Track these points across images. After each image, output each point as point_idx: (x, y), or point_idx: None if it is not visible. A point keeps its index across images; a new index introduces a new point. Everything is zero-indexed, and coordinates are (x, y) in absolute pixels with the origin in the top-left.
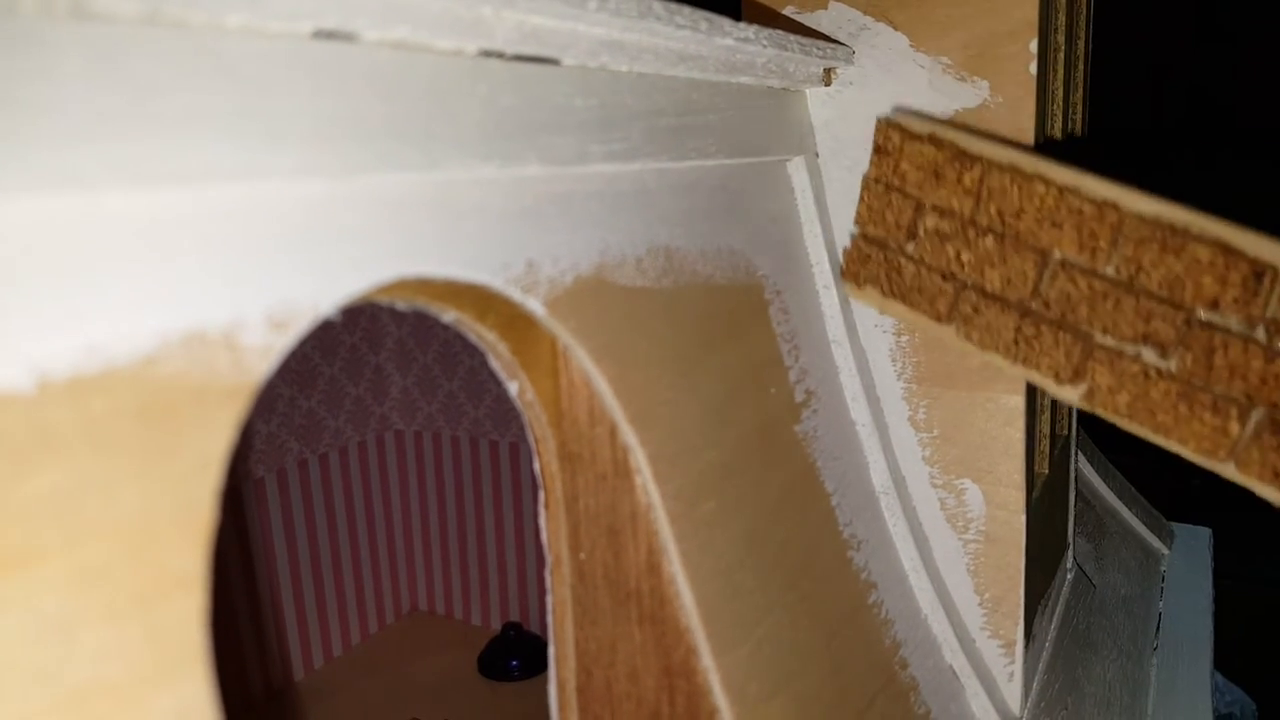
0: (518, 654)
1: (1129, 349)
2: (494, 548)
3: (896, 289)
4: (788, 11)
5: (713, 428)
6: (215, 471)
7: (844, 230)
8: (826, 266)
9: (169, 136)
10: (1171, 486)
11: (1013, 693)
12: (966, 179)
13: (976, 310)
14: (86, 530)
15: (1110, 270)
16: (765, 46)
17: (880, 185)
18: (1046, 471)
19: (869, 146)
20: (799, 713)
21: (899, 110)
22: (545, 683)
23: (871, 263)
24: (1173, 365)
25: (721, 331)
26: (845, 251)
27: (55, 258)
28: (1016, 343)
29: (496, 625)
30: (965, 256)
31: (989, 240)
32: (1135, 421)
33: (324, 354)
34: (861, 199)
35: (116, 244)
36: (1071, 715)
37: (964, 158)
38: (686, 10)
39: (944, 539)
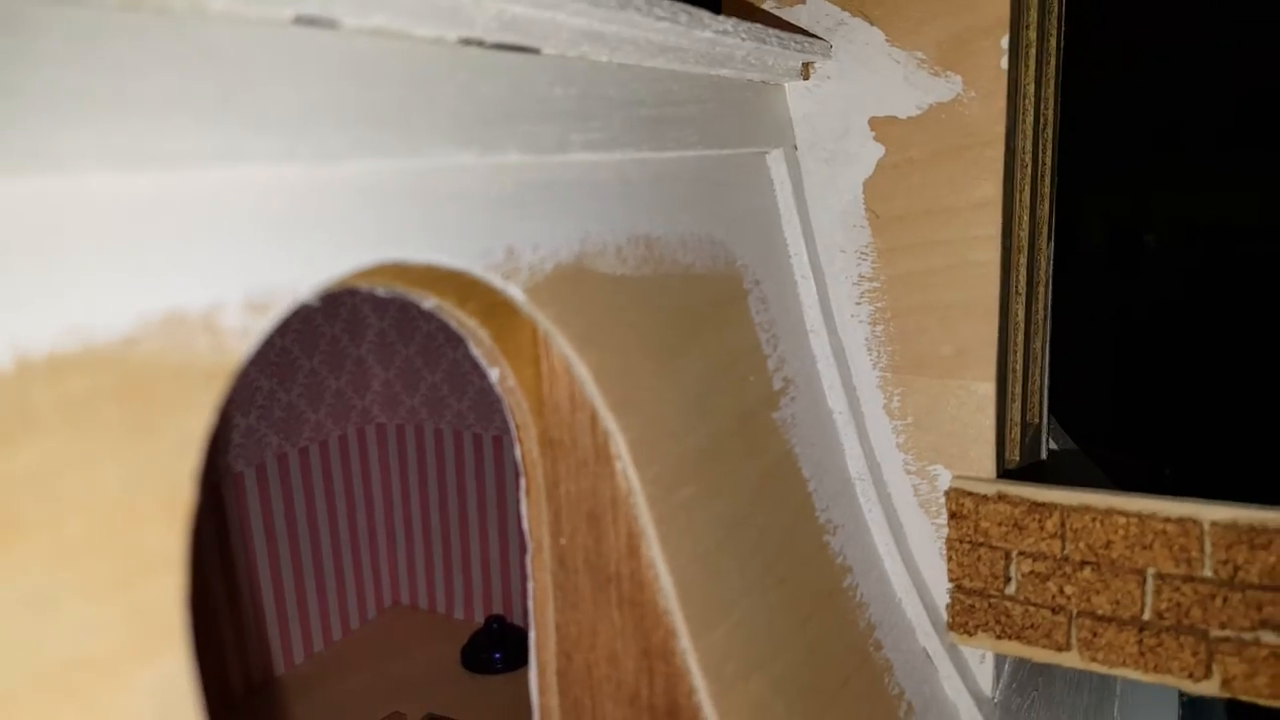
0: (501, 647)
1: (1248, 636)
2: (477, 541)
3: (1009, 631)
4: (767, 6)
5: (692, 414)
6: (194, 452)
7: (822, 221)
8: (805, 257)
9: (149, 120)
10: (1146, 474)
11: (985, 674)
12: (1048, 525)
13: (1095, 634)
14: (66, 507)
15: (1209, 573)
16: (744, 40)
17: (965, 544)
18: (1017, 458)
19: (846, 139)
20: (775, 692)
21: (959, 478)
22: (529, 678)
23: (977, 612)
24: None
25: (701, 320)
26: (947, 606)
27: (35, 238)
28: (1143, 654)
29: (479, 618)
30: (1068, 590)
31: (1086, 571)
32: None
33: (304, 347)
34: (949, 558)
35: (96, 225)
36: (1042, 696)
37: (1039, 508)
38: (666, 2)
39: (918, 524)
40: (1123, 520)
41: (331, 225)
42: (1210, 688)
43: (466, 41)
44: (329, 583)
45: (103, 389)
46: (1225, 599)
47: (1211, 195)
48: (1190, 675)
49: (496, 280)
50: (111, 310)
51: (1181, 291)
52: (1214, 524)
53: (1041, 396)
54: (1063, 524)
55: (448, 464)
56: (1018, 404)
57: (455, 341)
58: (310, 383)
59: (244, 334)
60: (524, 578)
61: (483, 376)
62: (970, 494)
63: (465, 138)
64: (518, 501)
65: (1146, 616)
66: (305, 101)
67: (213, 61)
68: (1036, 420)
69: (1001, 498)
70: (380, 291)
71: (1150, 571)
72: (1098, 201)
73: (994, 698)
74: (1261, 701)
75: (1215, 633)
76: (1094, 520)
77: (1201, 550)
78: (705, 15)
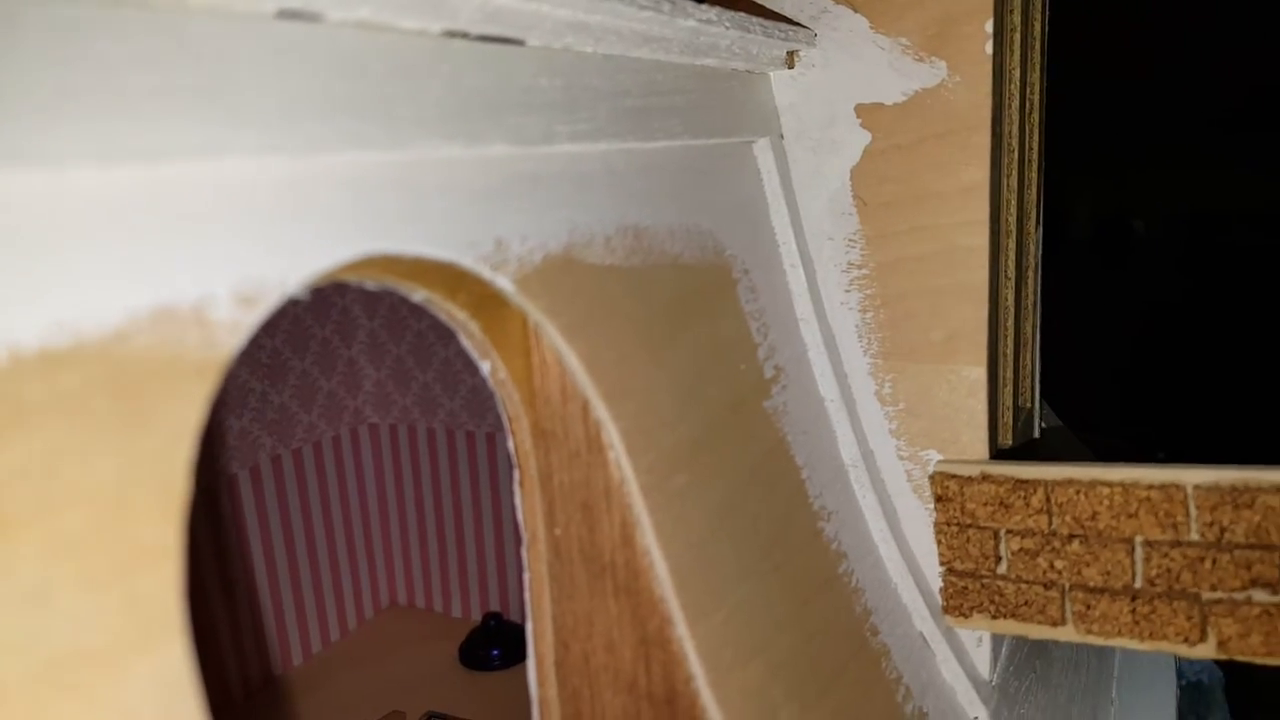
0: (499, 643)
1: (1239, 596)
2: (472, 538)
3: (1003, 610)
4: None
5: (684, 403)
6: (188, 445)
7: (810, 209)
8: (793, 245)
9: (135, 114)
10: (1134, 458)
11: (982, 657)
12: (1034, 501)
13: (1089, 606)
14: (61, 500)
15: (1196, 536)
16: (728, 28)
17: (953, 527)
18: (1010, 442)
19: (832, 127)
20: (773, 678)
21: (942, 461)
22: (527, 670)
23: (970, 593)
24: None
25: (691, 309)
26: (940, 590)
27: (23, 234)
28: (1137, 622)
29: (477, 616)
30: (1058, 564)
31: (1075, 544)
32: (1277, 657)
33: (294, 348)
34: (939, 541)
35: (84, 220)
36: (1040, 679)
37: (1023, 485)
38: None
39: (911, 509)
40: (1107, 491)
41: (319, 217)
42: (1206, 650)
43: (451, 33)
44: (326, 584)
45: (95, 383)
46: (1214, 561)
47: (1200, 182)
48: (1186, 640)
49: (485, 272)
50: (101, 305)
51: (1171, 277)
52: (1197, 487)
53: (1033, 380)
54: (1048, 499)
55: (441, 463)
56: (1009, 388)
57: (446, 340)
58: (302, 384)
59: (234, 328)
60: (520, 574)
61: (474, 374)
62: (955, 476)
63: (451, 129)
64: (512, 495)
65: (1138, 584)
66: (290, 94)
67: (196, 55)
68: (1028, 404)
69: (986, 478)
70: (370, 285)
71: (1138, 539)
72: (1086, 188)
73: (992, 680)
74: (1258, 660)
75: (1207, 595)
76: (1078, 493)
77: (1187, 514)
78: (688, 4)
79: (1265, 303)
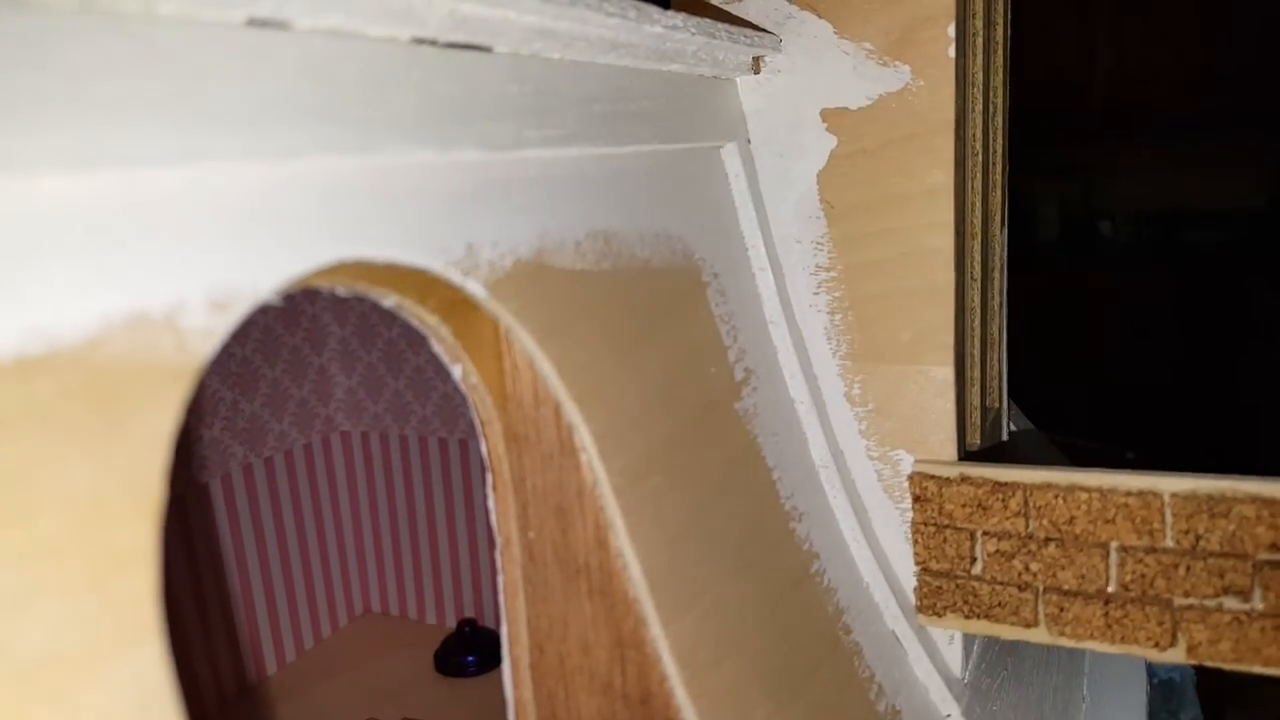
0: (473, 650)
1: (1211, 603)
2: (446, 545)
3: (977, 610)
4: (715, 1)
5: (656, 406)
6: (163, 450)
7: (777, 213)
8: (762, 249)
9: (106, 121)
10: (1105, 458)
11: (954, 655)
12: (1012, 504)
13: (1062, 609)
14: (37, 506)
15: (1171, 543)
16: (694, 34)
17: (930, 527)
18: (978, 441)
19: (798, 132)
20: (748, 677)
21: (921, 461)
22: (502, 674)
23: (945, 593)
24: (1259, 605)
25: (661, 313)
26: (915, 589)
27: None
28: (1109, 626)
29: (451, 623)
30: (1034, 567)
31: (1051, 548)
32: (1245, 663)
33: (265, 356)
34: (915, 541)
35: (57, 228)
36: (1011, 676)
37: (1002, 488)
38: None
39: (882, 509)
40: (1085, 496)
41: (291, 223)
42: (1176, 655)
43: (419, 41)
44: (299, 592)
45: (70, 390)
46: (1188, 568)
47: (1166, 182)
48: (1156, 645)
49: (456, 277)
50: (76, 312)
51: (1139, 278)
52: (1174, 495)
53: (1000, 381)
54: (1026, 502)
55: (414, 469)
56: (977, 388)
57: (417, 347)
58: (273, 393)
59: (207, 333)
60: (494, 579)
61: (446, 381)
62: (933, 477)
63: (422, 135)
64: (485, 500)
65: (1111, 589)
66: (261, 101)
67: (167, 63)
68: (996, 404)
69: (964, 479)
70: (341, 291)
71: (1114, 545)
72: (1052, 189)
73: (964, 678)
74: (1226, 666)
75: (1179, 601)
76: (1056, 497)
77: (1163, 521)
78: (654, 11)
79: (1227, 297)
